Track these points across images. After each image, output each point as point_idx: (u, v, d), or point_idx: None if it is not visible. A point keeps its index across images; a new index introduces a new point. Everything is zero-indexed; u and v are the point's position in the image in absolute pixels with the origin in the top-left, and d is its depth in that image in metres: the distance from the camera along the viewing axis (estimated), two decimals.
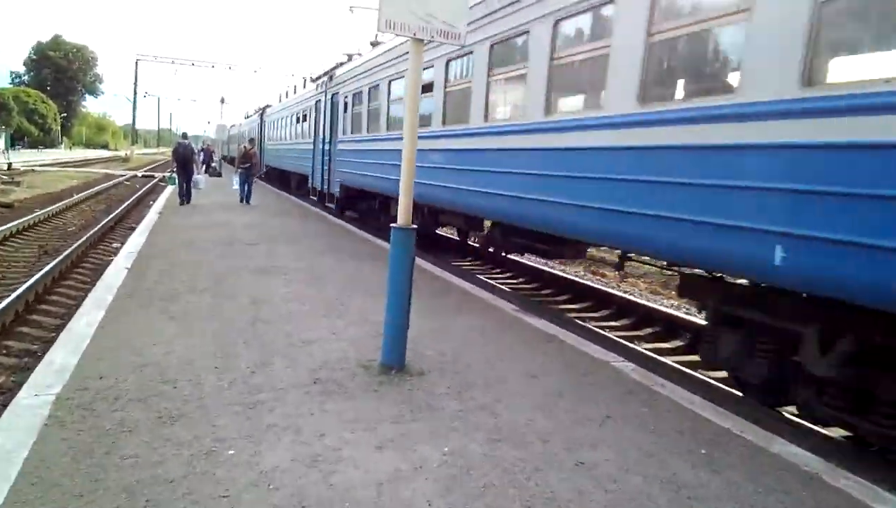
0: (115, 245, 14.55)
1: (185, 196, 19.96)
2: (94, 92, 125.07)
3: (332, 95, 19.70)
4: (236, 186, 21.76)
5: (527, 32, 8.16)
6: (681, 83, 6.28)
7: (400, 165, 5.45)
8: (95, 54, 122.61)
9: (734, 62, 5.38)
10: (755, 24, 5.00)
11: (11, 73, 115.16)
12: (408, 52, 5.68)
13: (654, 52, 6.10)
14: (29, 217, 17.05)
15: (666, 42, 6.06)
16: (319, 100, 21.90)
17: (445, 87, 10.72)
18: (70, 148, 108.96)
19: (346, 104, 17.95)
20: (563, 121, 7.53)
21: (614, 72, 6.55)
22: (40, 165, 49.28)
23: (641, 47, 6.14)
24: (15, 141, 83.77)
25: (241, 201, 20.76)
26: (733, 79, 5.36)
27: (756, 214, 4.92)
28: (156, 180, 39.79)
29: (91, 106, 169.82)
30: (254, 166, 21.64)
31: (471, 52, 9.58)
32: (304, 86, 28.96)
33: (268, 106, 38.27)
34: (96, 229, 15.62)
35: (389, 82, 13.85)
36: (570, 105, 8.20)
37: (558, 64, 7.64)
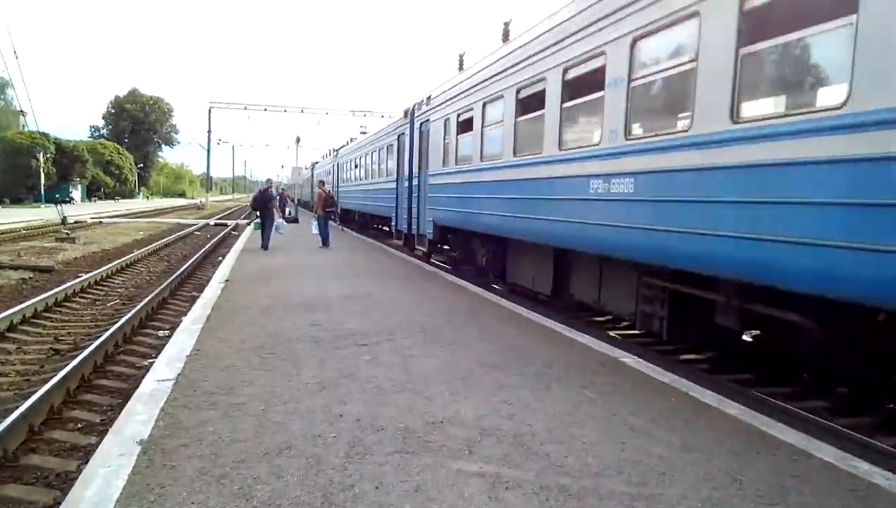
0: (161, 332, 10.10)
1: (264, 242, 20.14)
2: (170, 142, 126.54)
3: (338, 163, 37.55)
4: (315, 231, 21.56)
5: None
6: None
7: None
8: (171, 105, 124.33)
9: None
10: None
11: (91, 127, 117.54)
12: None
13: None
14: (60, 288, 12.87)
15: None
16: (335, 163, 39.29)
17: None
18: (148, 197, 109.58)
19: (342, 167, 35.64)
20: None
21: None
22: (111, 216, 46.90)
23: None
24: (92, 192, 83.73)
25: (322, 245, 20.87)
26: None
27: None
28: (228, 228, 36.25)
29: (168, 155, 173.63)
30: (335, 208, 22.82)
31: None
32: (326, 156, 47.95)
33: (316, 162, 53.62)
34: (141, 306, 11.22)
35: (357, 157, 30.18)
36: None
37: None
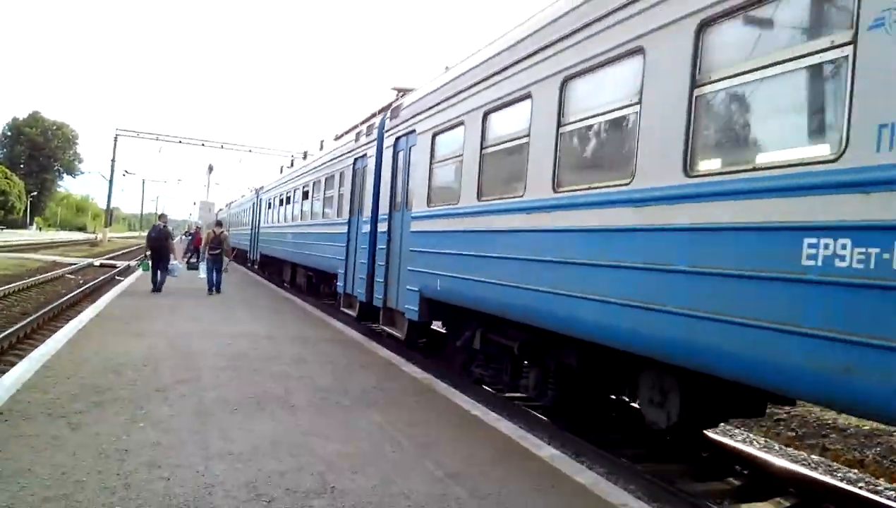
0: None
1: (157, 283, 17.61)
2: (72, 171, 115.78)
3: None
4: (203, 275, 18.83)
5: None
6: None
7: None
8: (76, 132, 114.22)
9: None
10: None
11: None
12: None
13: None
14: None
15: None
16: (233, 209, 49.20)
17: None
18: (41, 229, 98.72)
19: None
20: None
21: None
22: None
23: None
24: None
25: (210, 292, 17.90)
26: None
27: None
28: (113, 272, 29.08)
29: (73, 187, 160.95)
30: (226, 253, 19.08)
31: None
32: (226, 207, 53.83)
33: (230, 203, 55.07)
34: None
35: (241, 211, 41.45)
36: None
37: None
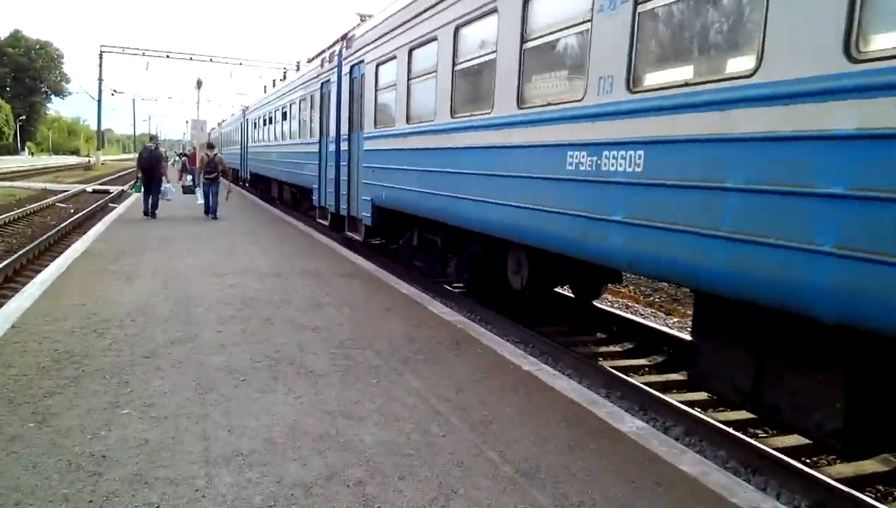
0: None
1: (149, 208, 17.69)
2: (60, 92, 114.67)
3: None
4: (200, 200, 19.39)
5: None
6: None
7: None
8: (61, 51, 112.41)
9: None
10: None
11: None
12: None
13: None
14: None
15: None
16: (223, 128, 50.61)
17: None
18: (33, 154, 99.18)
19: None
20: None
21: None
22: None
23: None
24: None
25: (207, 215, 18.15)
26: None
27: None
28: (106, 198, 30.19)
29: (63, 109, 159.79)
30: (224, 174, 19.46)
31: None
32: (217, 126, 54.79)
33: (221, 122, 56.08)
34: None
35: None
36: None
37: None
